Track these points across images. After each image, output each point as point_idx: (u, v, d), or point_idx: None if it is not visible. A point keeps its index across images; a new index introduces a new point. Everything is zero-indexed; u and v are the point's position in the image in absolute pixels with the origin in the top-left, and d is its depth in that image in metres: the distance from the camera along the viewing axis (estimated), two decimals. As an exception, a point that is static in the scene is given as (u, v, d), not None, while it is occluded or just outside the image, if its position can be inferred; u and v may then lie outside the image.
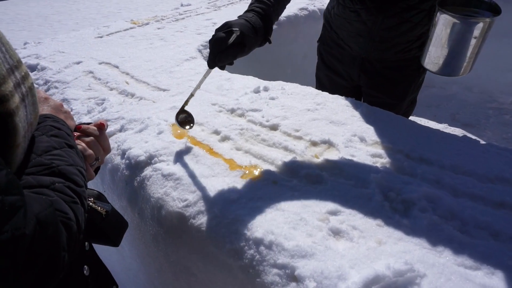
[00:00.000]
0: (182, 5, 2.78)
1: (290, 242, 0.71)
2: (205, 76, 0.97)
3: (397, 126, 1.12)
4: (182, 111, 1.02)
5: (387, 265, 0.64)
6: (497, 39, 2.95)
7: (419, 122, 2.85)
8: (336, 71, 1.58)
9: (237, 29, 0.89)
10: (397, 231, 0.74)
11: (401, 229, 0.75)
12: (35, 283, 0.38)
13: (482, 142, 1.07)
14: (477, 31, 0.95)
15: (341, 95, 1.37)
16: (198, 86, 0.99)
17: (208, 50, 1.93)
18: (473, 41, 0.97)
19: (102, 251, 0.84)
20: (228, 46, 0.87)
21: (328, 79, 1.64)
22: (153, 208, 0.91)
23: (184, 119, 1.03)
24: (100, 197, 0.79)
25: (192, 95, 1.00)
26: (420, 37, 1.34)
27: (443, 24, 0.99)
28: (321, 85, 1.69)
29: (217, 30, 0.92)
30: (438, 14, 0.99)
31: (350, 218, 0.77)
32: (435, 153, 0.98)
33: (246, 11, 1.02)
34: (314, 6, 2.67)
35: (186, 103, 1.01)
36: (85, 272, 0.62)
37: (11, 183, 0.37)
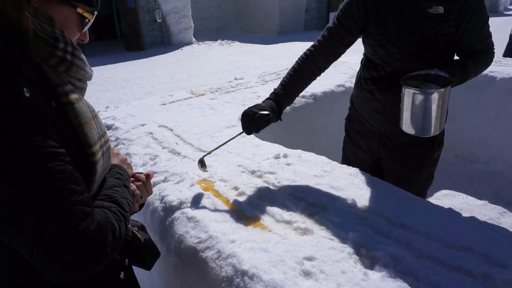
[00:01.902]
0: (235, 78, 3.25)
1: (268, 276, 0.91)
2: (235, 137, 1.35)
3: (389, 195, 1.29)
4: (204, 156, 1.37)
5: (335, 300, 0.81)
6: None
7: (457, 196, 2.87)
8: (359, 145, 1.80)
9: (269, 112, 1.33)
10: (356, 279, 0.91)
11: (361, 277, 0.91)
12: (89, 262, 0.65)
13: (466, 215, 1.19)
14: (434, 99, 1.22)
15: (363, 167, 1.56)
16: (225, 143, 1.36)
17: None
18: (433, 107, 1.24)
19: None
20: (264, 122, 1.31)
21: (352, 153, 1.86)
22: (176, 242, 1.17)
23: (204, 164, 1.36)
24: (142, 228, 1.07)
25: (218, 147, 1.35)
26: None
27: (407, 95, 1.28)
28: (346, 158, 1.91)
29: (251, 108, 1.34)
30: (403, 88, 1.27)
31: (321, 264, 0.96)
32: (415, 221, 1.14)
33: (267, 98, 1.43)
34: (352, 83, 2.96)
35: (210, 152, 1.36)
36: (121, 276, 0.88)
37: (89, 201, 0.66)
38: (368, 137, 1.74)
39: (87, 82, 0.82)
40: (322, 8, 18.11)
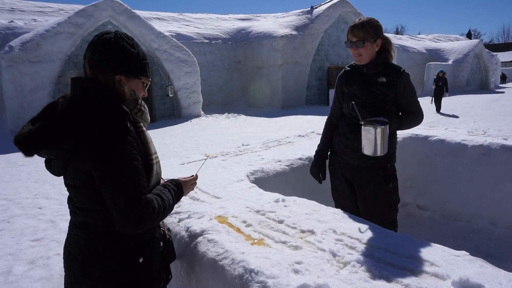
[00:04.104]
0: (243, 144, 3.76)
1: (268, 272, 1.29)
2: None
3: (362, 225, 1.68)
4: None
5: (314, 282, 1.19)
6: None
7: (440, 250, 3.16)
8: (339, 178, 2.40)
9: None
10: (331, 273, 1.29)
11: (334, 273, 1.29)
12: (138, 220, 1.13)
13: (423, 240, 1.58)
14: (377, 131, 1.94)
15: (347, 197, 2.28)
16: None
17: (254, 176, 2.72)
18: (377, 137, 1.94)
19: None
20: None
21: (338, 187, 2.41)
22: (199, 258, 1.55)
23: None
24: (169, 230, 1.54)
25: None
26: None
27: (363, 130, 1.98)
28: (335, 191, 2.44)
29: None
30: (362, 126, 1.96)
31: (307, 265, 1.34)
32: (380, 242, 1.52)
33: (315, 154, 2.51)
34: (342, 148, 3.44)
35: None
36: (161, 244, 1.38)
37: (146, 187, 1.17)
38: (343, 169, 2.36)
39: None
40: (322, 85, 19.55)
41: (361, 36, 2.10)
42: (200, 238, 1.65)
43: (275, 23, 19.30)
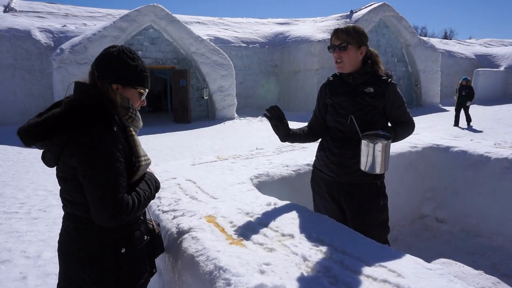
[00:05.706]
0: (257, 148, 3.84)
1: (235, 270, 1.36)
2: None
3: (343, 233, 1.70)
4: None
5: (272, 282, 1.25)
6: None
7: (454, 265, 3.09)
8: (325, 197, 2.29)
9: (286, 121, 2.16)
10: (294, 276, 1.33)
11: (298, 276, 1.34)
12: (113, 215, 1.25)
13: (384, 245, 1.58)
14: (379, 147, 1.83)
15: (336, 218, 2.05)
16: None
17: (258, 179, 2.79)
18: (378, 153, 1.82)
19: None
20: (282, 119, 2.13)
21: (324, 207, 2.31)
22: (182, 253, 1.65)
23: None
24: (158, 225, 1.64)
25: None
26: None
27: (364, 145, 1.87)
28: (318, 210, 2.35)
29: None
30: (362, 140, 1.87)
31: (274, 267, 1.40)
32: (353, 249, 1.54)
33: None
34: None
35: None
36: (145, 238, 1.50)
37: (125, 186, 1.29)
38: (329, 186, 2.26)
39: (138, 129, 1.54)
40: (359, 91, 19.16)
41: (345, 39, 2.03)
42: (186, 235, 1.75)
43: (313, 27, 19.21)
